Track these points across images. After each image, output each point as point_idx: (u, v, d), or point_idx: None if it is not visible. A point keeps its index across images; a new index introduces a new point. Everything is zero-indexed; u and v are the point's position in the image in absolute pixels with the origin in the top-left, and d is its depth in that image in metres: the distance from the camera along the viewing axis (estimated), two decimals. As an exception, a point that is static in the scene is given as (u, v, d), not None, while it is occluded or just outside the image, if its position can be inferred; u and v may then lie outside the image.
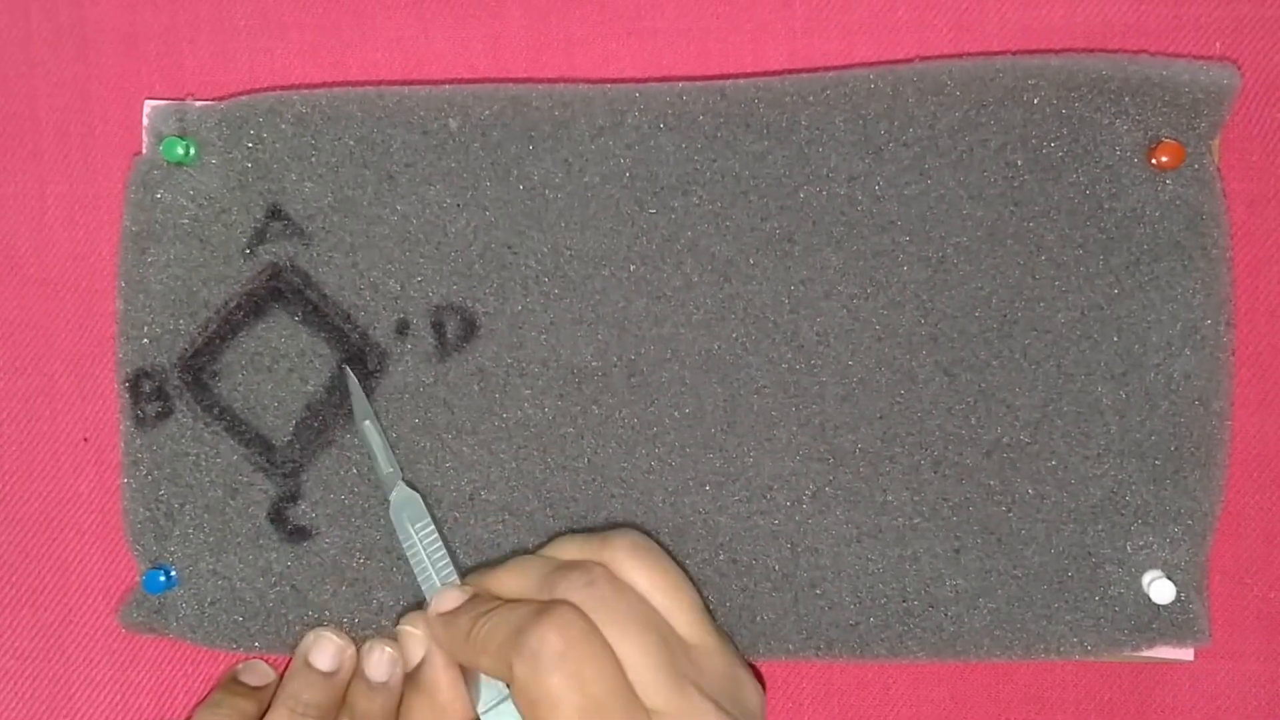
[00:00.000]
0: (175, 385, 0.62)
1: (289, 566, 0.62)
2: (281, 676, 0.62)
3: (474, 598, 0.58)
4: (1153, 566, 0.60)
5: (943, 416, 0.60)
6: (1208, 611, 0.61)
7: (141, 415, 0.62)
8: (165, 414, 0.62)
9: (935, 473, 0.60)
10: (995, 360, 0.60)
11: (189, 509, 0.62)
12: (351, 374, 0.61)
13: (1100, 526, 0.60)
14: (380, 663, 0.60)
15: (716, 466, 0.61)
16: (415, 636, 0.59)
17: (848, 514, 0.61)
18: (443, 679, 0.58)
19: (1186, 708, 0.64)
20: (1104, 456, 0.60)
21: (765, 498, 0.61)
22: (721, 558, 0.61)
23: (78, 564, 0.65)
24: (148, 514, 0.62)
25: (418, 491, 0.61)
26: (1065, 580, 0.60)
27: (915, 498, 0.61)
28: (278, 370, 0.62)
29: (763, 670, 0.64)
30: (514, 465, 0.61)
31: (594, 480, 0.61)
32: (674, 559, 0.59)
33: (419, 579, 0.60)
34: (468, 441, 0.61)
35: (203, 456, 0.62)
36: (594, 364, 0.61)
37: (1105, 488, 0.60)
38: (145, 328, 0.62)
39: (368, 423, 0.61)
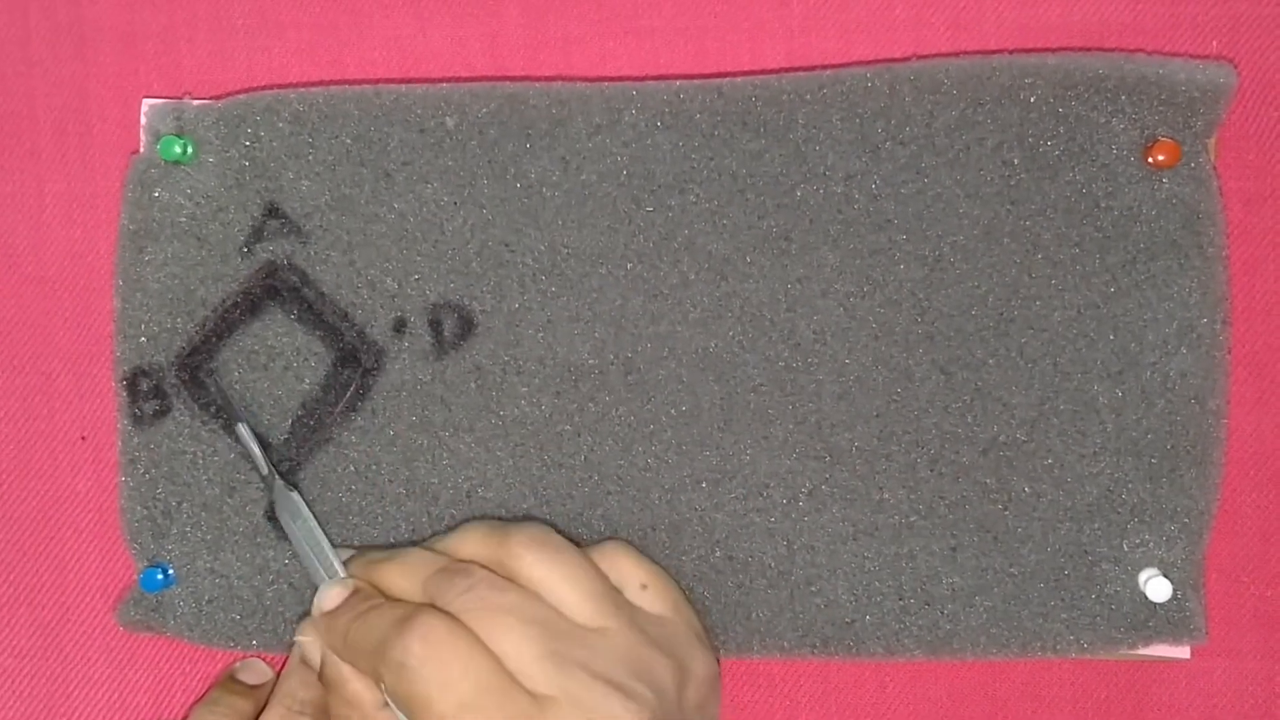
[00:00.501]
0: (172, 383, 0.62)
1: (286, 565, 0.62)
2: (278, 675, 0.62)
3: (354, 594, 0.58)
4: (1149, 565, 0.60)
5: (939, 415, 0.60)
6: (1204, 609, 0.61)
7: (139, 413, 0.62)
8: (163, 412, 0.62)
9: (932, 471, 0.61)
10: (992, 359, 0.60)
11: (186, 507, 0.62)
12: (219, 382, 0.62)
13: (1096, 525, 0.60)
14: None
15: (713, 464, 0.61)
16: (310, 644, 0.59)
17: (844, 512, 0.61)
18: (344, 671, 0.58)
19: (1183, 706, 0.64)
20: (1100, 455, 0.60)
21: (762, 495, 0.61)
22: (717, 555, 0.61)
23: (75, 562, 0.65)
24: (145, 512, 0.62)
25: (297, 490, 0.61)
26: (1061, 578, 0.61)
27: (912, 496, 0.61)
28: (274, 368, 0.62)
29: (758, 667, 0.64)
30: (511, 463, 0.61)
31: (590, 478, 0.61)
32: (635, 541, 0.60)
33: (309, 574, 0.60)
34: (465, 439, 0.61)
35: (200, 455, 0.62)
36: (591, 362, 0.61)
37: (1101, 486, 0.60)
38: (143, 326, 0.62)
39: (241, 426, 0.61)
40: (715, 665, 0.59)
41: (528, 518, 0.62)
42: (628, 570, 0.59)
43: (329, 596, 0.58)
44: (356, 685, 0.58)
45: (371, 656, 0.55)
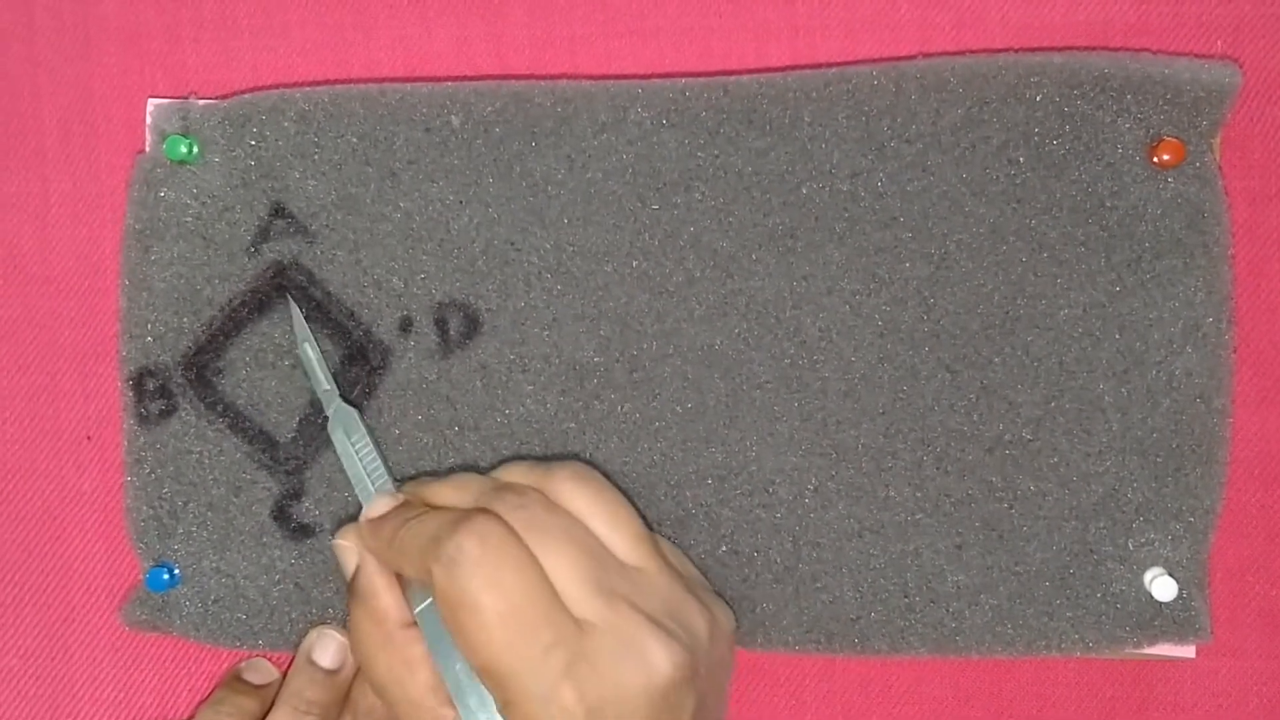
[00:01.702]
0: (178, 383, 0.62)
1: (292, 564, 0.62)
2: (284, 675, 0.62)
3: (404, 504, 0.58)
4: (1154, 564, 0.60)
5: (945, 413, 0.60)
6: (1209, 609, 0.61)
7: (145, 413, 0.62)
8: (168, 412, 0.62)
9: (937, 469, 0.61)
10: (997, 357, 0.60)
11: (192, 507, 0.62)
12: (293, 301, 0.61)
13: (1102, 523, 0.60)
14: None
15: (718, 461, 0.61)
16: (347, 548, 0.58)
17: (850, 509, 0.61)
18: (377, 583, 0.57)
19: (1188, 705, 0.64)
20: (1105, 454, 0.60)
21: (767, 492, 0.61)
22: (723, 550, 0.61)
23: (81, 562, 0.65)
24: (151, 512, 0.62)
25: (356, 410, 0.61)
26: (1067, 577, 0.61)
27: (917, 493, 0.61)
28: (281, 368, 0.62)
29: (764, 665, 0.64)
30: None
31: (596, 474, 0.61)
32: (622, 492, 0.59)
33: (357, 491, 0.60)
34: (470, 438, 0.61)
35: (206, 454, 0.62)
36: (596, 359, 0.61)
37: (1107, 485, 0.60)
38: (148, 326, 0.62)
39: (307, 344, 0.61)
40: (734, 622, 0.59)
41: (570, 456, 0.62)
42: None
43: (379, 504, 0.58)
44: (387, 599, 0.57)
45: (422, 554, 0.54)
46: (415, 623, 0.57)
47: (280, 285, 0.62)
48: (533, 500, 0.55)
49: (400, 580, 0.58)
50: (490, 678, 0.52)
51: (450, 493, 0.58)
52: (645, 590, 0.55)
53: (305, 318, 0.61)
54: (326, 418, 0.61)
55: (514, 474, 0.58)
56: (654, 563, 0.56)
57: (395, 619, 0.57)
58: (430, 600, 0.56)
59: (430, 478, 0.60)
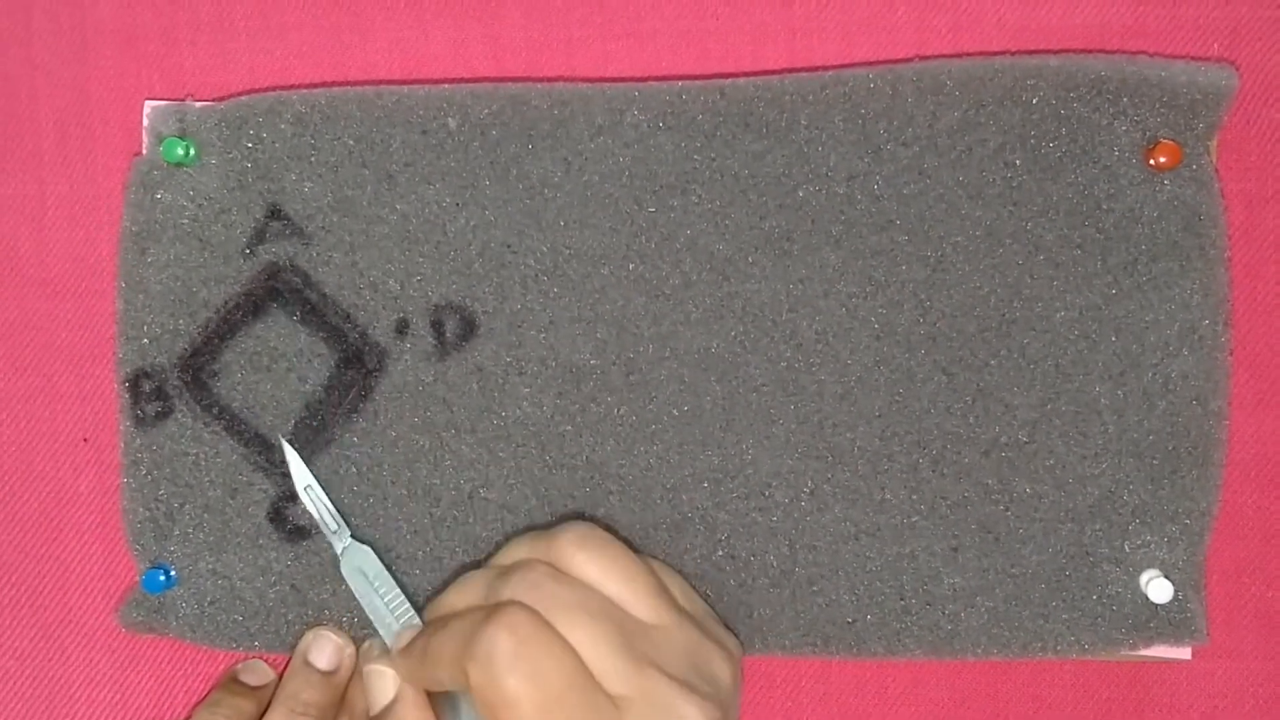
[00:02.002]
0: (175, 385, 0.62)
1: (288, 566, 0.62)
2: (280, 676, 0.63)
3: (428, 624, 0.58)
4: (1150, 566, 0.61)
5: (941, 415, 0.61)
6: (1205, 610, 0.61)
7: (141, 415, 0.62)
8: (165, 414, 0.62)
9: (933, 471, 0.61)
10: (993, 360, 0.60)
11: (188, 509, 0.62)
12: (288, 445, 0.61)
13: (1098, 526, 0.60)
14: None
15: (715, 464, 0.61)
16: (384, 674, 0.58)
17: (846, 512, 0.61)
18: (412, 717, 0.57)
19: (1184, 707, 0.64)
20: (1102, 456, 0.60)
21: (763, 495, 0.61)
22: (719, 554, 0.61)
23: (77, 564, 0.65)
24: (147, 514, 0.62)
25: (367, 544, 0.61)
26: (1063, 579, 0.61)
27: (913, 496, 0.61)
28: (277, 370, 0.62)
29: (760, 668, 0.64)
30: (513, 464, 0.61)
31: (592, 478, 0.61)
32: (635, 539, 0.60)
33: (376, 626, 0.60)
34: (467, 440, 0.61)
35: (202, 456, 0.62)
36: (593, 362, 0.61)
37: (1103, 487, 0.60)
38: (145, 328, 0.62)
39: (308, 488, 0.61)
40: (740, 647, 0.59)
41: (572, 516, 0.61)
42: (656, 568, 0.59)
43: (405, 635, 0.58)
44: None
45: (456, 657, 0.53)
46: None
47: (276, 288, 0.62)
48: (543, 576, 0.55)
49: (431, 701, 0.58)
50: None
51: (459, 597, 0.58)
52: (669, 649, 0.55)
53: (300, 320, 0.61)
54: (320, 424, 0.61)
55: (518, 551, 0.58)
56: (672, 616, 0.56)
57: None
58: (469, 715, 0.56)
59: (438, 594, 0.60)
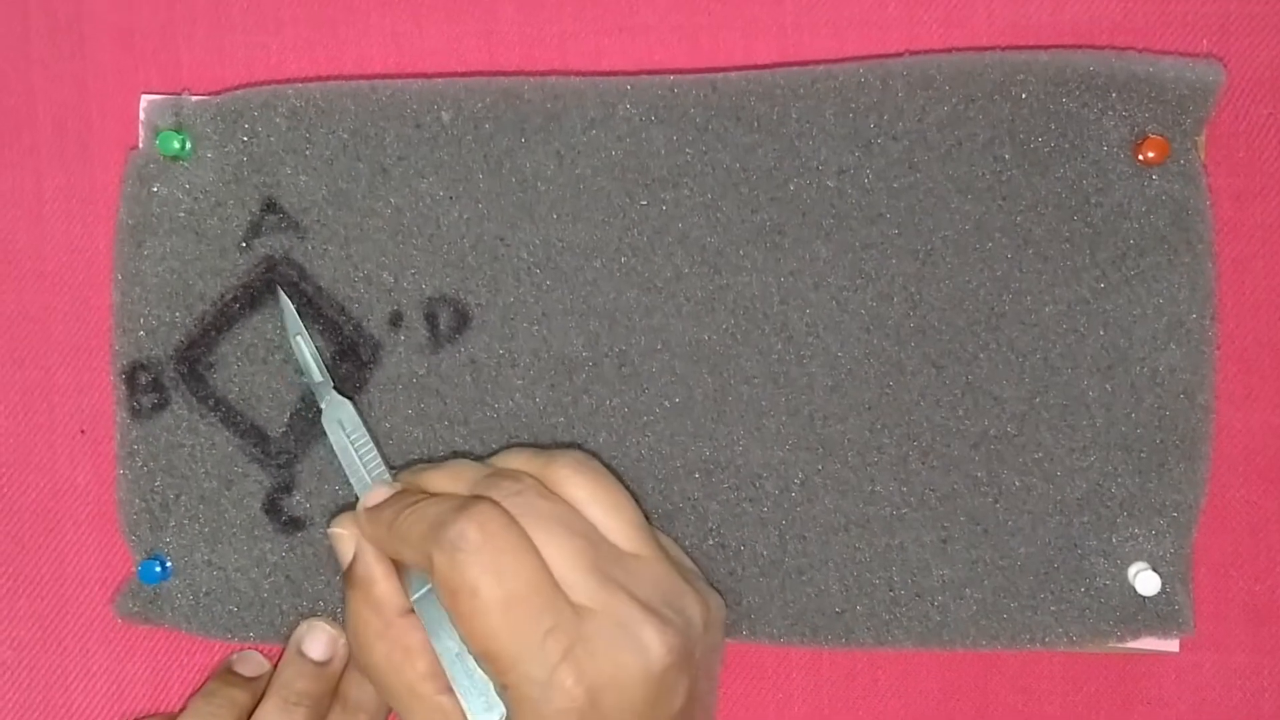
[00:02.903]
0: (171, 377, 0.62)
1: (283, 557, 0.62)
2: (275, 667, 0.63)
3: (401, 492, 0.58)
4: (1138, 558, 0.61)
5: (930, 408, 0.61)
6: (1192, 603, 0.61)
7: (137, 407, 0.62)
8: (161, 406, 0.62)
9: (923, 463, 0.61)
10: (982, 353, 0.61)
11: (184, 500, 0.62)
12: (283, 293, 0.62)
13: (1086, 518, 0.61)
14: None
15: (706, 455, 0.61)
16: (343, 536, 0.59)
17: (836, 503, 0.61)
18: (375, 572, 0.58)
19: (1171, 698, 0.64)
20: (1090, 449, 0.61)
21: (754, 485, 0.61)
22: (710, 543, 0.62)
23: (74, 554, 0.66)
24: (143, 505, 0.63)
25: (350, 401, 0.61)
26: (1051, 571, 0.61)
27: (903, 488, 0.61)
28: (272, 362, 0.62)
29: (750, 658, 0.65)
30: (506, 454, 0.62)
31: (584, 468, 0.61)
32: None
33: (352, 482, 0.60)
34: (460, 431, 0.62)
35: (198, 448, 0.62)
36: (585, 354, 0.61)
37: (1091, 480, 0.61)
38: (141, 320, 0.62)
39: (299, 337, 0.61)
40: (725, 610, 0.59)
41: (570, 445, 0.62)
42: None
43: (376, 494, 0.59)
44: (385, 586, 0.57)
45: (423, 540, 0.54)
46: (412, 610, 0.57)
47: (271, 280, 0.62)
48: (529, 487, 0.55)
49: (397, 568, 0.58)
50: (490, 662, 0.53)
51: (446, 480, 0.58)
52: (642, 577, 0.55)
53: (296, 312, 0.62)
54: (320, 410, 0.61)
55: (514, 461, 0.58)
56: (651, 550, 0.56)
57: (393, 606, 0.57)
58: (428, 587, 0.56)
59: (426, 465, 0.60)
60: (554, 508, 0.55)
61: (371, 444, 0.61)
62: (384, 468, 0.60)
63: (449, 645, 0.56)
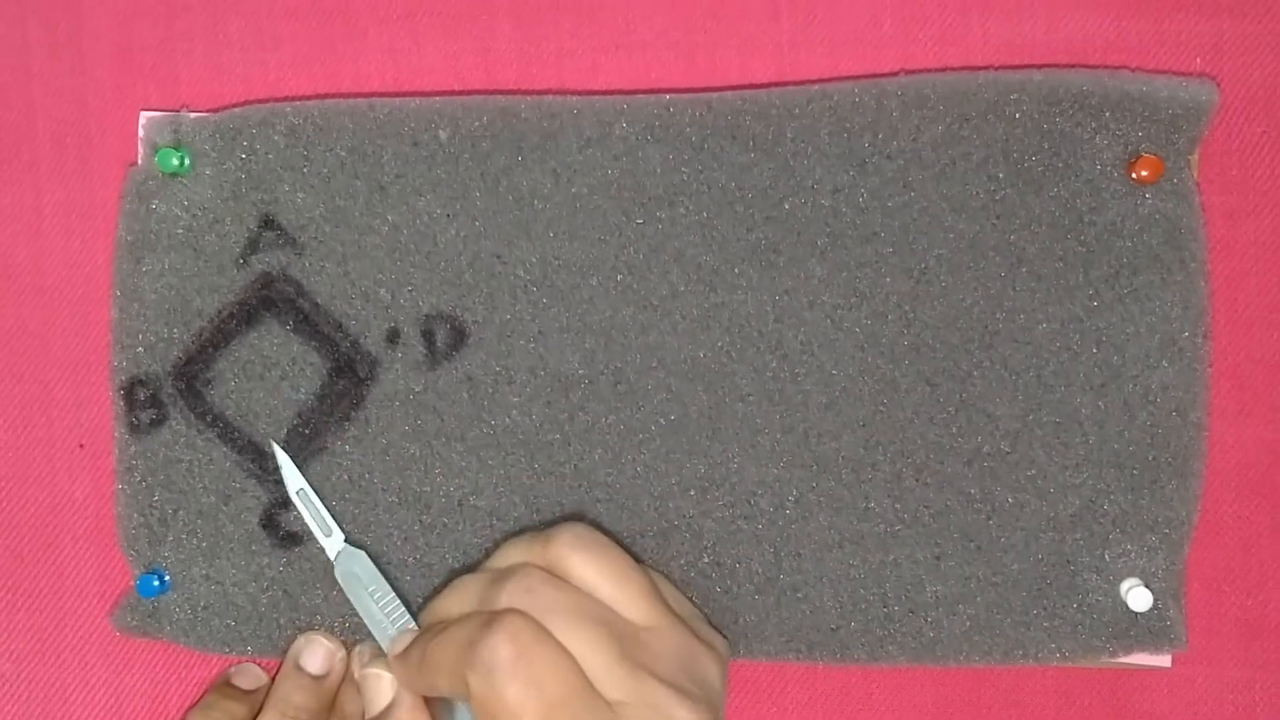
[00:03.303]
0: (169, 393, 0.62)
1: (280, 572, 0.62)
2: (273, 680, 0.63)
3: (425, 629, 0.58)
4: (1130, 574, 0.61)
5: (924, 425, 0.61)
6: (1184, 618, 0.61)
7: (136, 422, 0.62)
8: (159, 421, 0.63)
9: (917, 480, 0.61)
10: (976, 370, 0.61)
11: (182, 515, 0.63)
12: (279, 449, 0.62)
13: (1078, 535, 0.61)
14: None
15: (701, 472, 0.61)
16: (381, 678, 0.58)
17: (830, 520, 0.61)
18: (412, 718, 0.58)
19: (1164, 713, 0.64)
20: (1083, 466, 0.61)
21: (749, 503, 0.61)
22: (705, 560, 0.62)
23: (72, 568, 0.66)
24: (141, 519, 0.63)
25: (362, 549, 0.61)
26: (1044, 587, 0.61)
27: (897, 505, 0.61)
28: (270, 378, 0.62)
29: (746, 674, 0.65)
30: (502, 471, 0.62)
31: (580, 486, 0.62)
32: (622, 546, 0.59)
33: (373, 632, 0.60)
34: (456, 448, 0.62)
35: (196, 463, 0.62)
36: (581, 372, 0.61)
37: (1084, 497, 0.61)
38: (140, 336, 0.62)
39: (300, 491, 0.61)
40: (728, 649, 0.60)
41: (567, 518, 0.62)
42: None
43: (403, 639, 0.58)
44: None
45: (455, 665, 0.53)
46: None
47: (269, 297, 0.62)
48: (539, 581, 0.55)
49: (430, 707, 0.58)
50: None
51: (454, 602, 0.58)
52: (662, 652, 0.55)
53: (293, 329, 0.62)
54: (313, 432, 0.61)
55: (513, 554, 0.58)
56: (663, 618, 0.56)
57: None
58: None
59: (434, 598, 0.60)
60: (569, 599, 0.54)
61: (389, 590, 0.61)
62: (407, 615, 0.60)
63: None
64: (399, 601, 0.61)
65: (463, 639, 0.53)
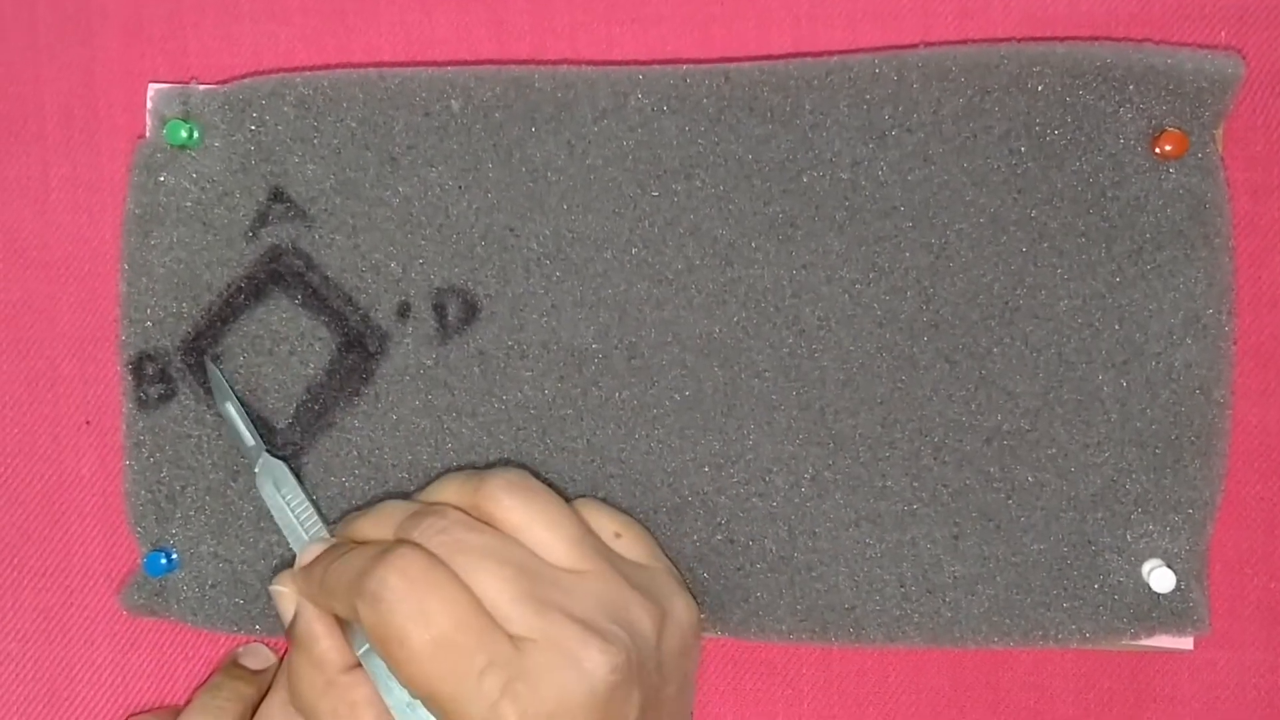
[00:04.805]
0: (178, 368, 0.62)
1: (291, 550, 0.62)
2: (281, 660, 0.63)
3: (333, 546, 0.58)
4: (1152, 555, 0.60)
5: (943, 403, 0.60)
6: (1207, 601, 0.61)
7: (144, 398, 0.62)
8: (168, 396, 0.62)
9: (935, 459, 0.61)
10: (996, 347, 0.60)
11: (190, 492, 0.62)
12: (211, 364, 0.62)
13: (1100, 515, 0.60)
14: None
15: (715, 449, 0.61)
16: (284, 594, 0.58)
17: (846, 498, 0.61)
18: (316, 629, 0.57)
19: (1186, 697, 0.64)
20: (1104, 445, 0.60)
21: (764, 480, 0.61)
22: (719, 538, 0.61)
23: (80, 547, 0.66)
24: (149, 497, 0.62)
25: (285, 461, 0.62)
26: (1064, 568, 0.60)
27: (914, 483, 0.61)
28: (279, 353, 0.62)
29: (761, 655, 0.64)
30: (514, 447, 0.61)
31: (593, 461, 0.61)
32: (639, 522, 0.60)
33: (291, 543, 0.61)
34: (468, 423, 0.61)
35: (205, 439, 0.62)
36: (594, 346, 0.61)
37: (1105, 476, 0.60)
38: (148, 310, 0.62)
39: (228, 404, 0.61)
40: (696, 611, 0.59)
41: (504, 462, 0.62)
42: (602, 519, 0.59)
43: (311, 551, 0.58)
44: (326, 644, 0.57)
45: (348, 592, 0.54)
46: (357, 666, 0.57)
47: (278, 270, 0.62)
48: (454, 521, 0.55)
49: (341, 623, 0.57)
50: (432, 706, 0.53)
51: (373, 526, 0.58)
52: (581, 595, 0.54)
53: (302, 303, 0.61)
54: (322, 407, 0.61)
55: (444, 492, 0.58)
56: (594, 563, 0.56)
57: (335, 663, 0.57)
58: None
59: (357, 513, 0.60)
60: (481, 539, 0.55)
61: (307, 503, 0.61)
62: (321, 525, 0.60)
63: (400, 696, 0.55)
64: (315, 513, 0.61)
65: (358, 566, 0.54)
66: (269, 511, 0.61)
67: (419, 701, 0.54)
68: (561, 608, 0.53)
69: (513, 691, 0.52)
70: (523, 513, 0.56)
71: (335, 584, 0.55)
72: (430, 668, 0.52)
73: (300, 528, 0.60)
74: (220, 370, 0.62)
